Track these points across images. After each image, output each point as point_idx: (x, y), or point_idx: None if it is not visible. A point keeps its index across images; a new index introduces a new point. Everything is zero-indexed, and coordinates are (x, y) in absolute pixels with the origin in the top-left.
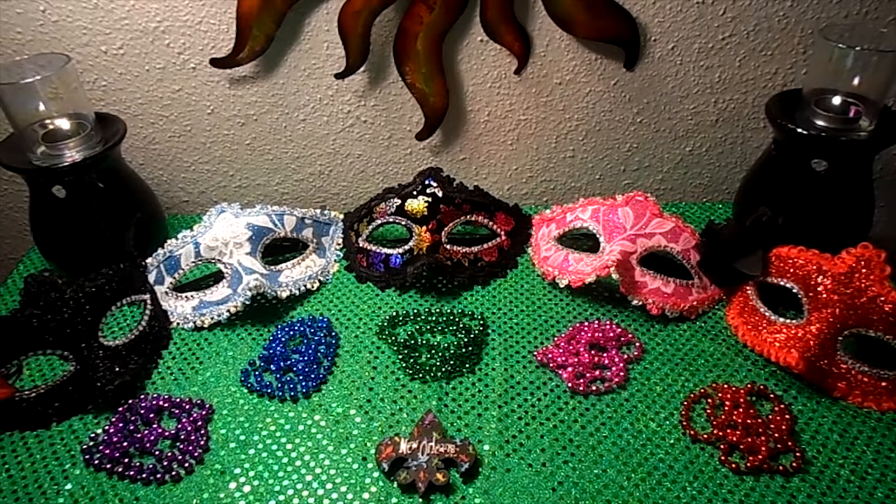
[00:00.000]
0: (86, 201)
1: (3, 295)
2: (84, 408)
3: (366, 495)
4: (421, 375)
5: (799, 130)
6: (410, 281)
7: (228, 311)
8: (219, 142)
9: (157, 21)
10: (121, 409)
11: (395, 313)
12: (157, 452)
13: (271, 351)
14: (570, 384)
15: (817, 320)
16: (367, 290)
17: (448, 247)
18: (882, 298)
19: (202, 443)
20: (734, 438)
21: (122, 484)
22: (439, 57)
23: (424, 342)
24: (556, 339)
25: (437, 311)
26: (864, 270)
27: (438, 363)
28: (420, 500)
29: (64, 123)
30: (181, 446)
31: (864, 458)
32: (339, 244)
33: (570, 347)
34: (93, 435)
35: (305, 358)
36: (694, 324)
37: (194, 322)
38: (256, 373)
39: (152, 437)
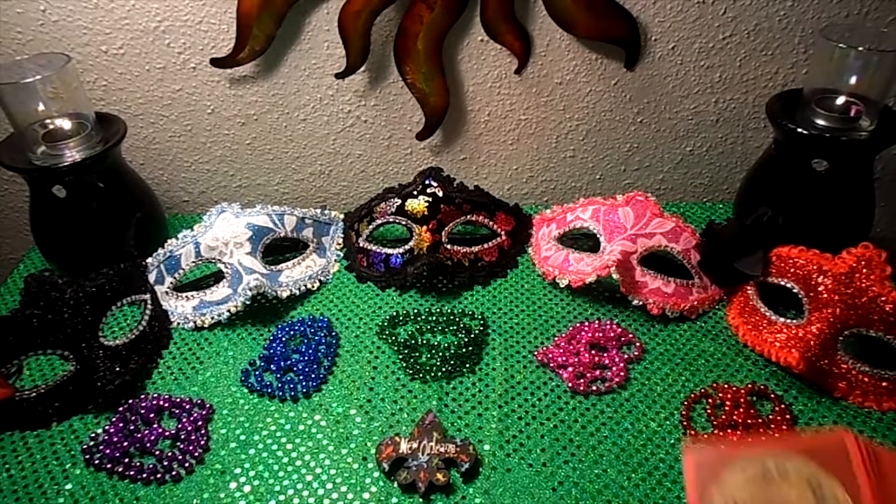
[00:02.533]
0: (86, 201)
1: (3, 295)
2: (84, 408)
3: (366, 495)
4: (421, 375)
5: (799, 130)
6: (411, 281)
7: (228, 310)
8: (219, 142)
9: (157, 21)
10: (121, 409)
11: (395, 313)
12: (157, 452)
13: (271, 351)
14: (570, 384)
15: (818, 320)
16: (368, 290)
17: (448, 247)
18: (882, 298)
19: (202, 443)
20: (735, 438)
21: (123, 484)
22: (439, 57)
23: (425, 342)
24: (556, 339)
25: (438, 311)
26: (864, 270)
27: (439, 363)
28: (420, 500)
29: (64, 123)
30: (181, 446)
31: None
32: (339, 244)
33: (571, 347)
34: (93, 435)
35: (306, 358)
36: (694, 324)
37: (194, 322)
38: (257, 373)
39: (152, 437)
